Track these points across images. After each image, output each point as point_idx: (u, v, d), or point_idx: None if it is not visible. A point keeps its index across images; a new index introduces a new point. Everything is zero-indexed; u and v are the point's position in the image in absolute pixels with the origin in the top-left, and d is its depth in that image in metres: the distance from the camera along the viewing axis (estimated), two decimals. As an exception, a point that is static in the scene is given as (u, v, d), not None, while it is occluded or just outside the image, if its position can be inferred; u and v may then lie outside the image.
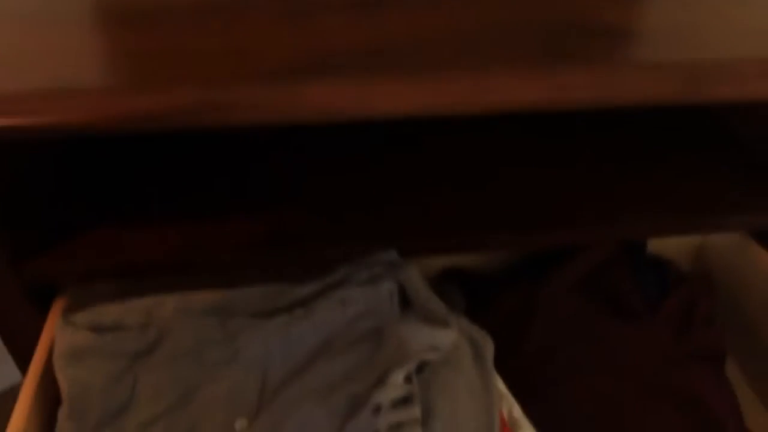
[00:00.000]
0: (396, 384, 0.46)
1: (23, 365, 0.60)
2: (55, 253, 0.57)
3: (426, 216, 0.61)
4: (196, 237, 0.59)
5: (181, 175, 0.66)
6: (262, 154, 0.70)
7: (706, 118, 0.77)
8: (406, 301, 0.55)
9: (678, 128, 0.74)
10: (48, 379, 0.52)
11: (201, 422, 0.49)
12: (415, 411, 0.46)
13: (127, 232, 0.59)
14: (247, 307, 0.54)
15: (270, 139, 0.72)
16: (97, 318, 0.53)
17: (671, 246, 0.75)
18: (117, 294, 0.56)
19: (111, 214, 0.62)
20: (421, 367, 0.49)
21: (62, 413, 0.49)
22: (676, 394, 0.59)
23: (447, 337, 0.50)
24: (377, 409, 0.45)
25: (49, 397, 0.52)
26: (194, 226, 0.60)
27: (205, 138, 0.72)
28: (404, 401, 0.46)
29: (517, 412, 0.54)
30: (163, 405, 0.50)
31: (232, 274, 0.57)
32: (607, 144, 0.71)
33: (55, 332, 0.52)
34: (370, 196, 0.64)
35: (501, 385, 0.55)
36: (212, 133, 0.72)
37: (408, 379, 0.47)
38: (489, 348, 0.53)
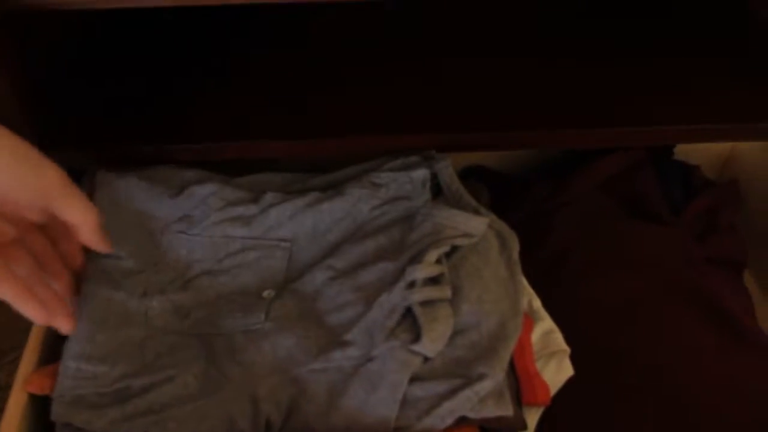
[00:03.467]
0: (430, 263, 0.47)
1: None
2: (81, 140, 0.57)
3: (455, 112, 0.61)
4: (227, 125, 0.59)
5: (203, 62, 0.65)
6: (286, 42, 0.68)
7: (744, 17, 0.74)
8: (436, 192, 0.55)
9: (712, 29, 0.72)
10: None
11: (232, 287, 0.51)
12: (446, 290, 0.47)
13: (152, 121, 0.59)
14: (281, 186, 0.55)
15: (296, 29, 0.70)
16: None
17: (699, 152, 0.74)
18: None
19: (135, 102, 0.61)
20: (450, 252, 0.50)
21: None
22: (693, 293, 0.60)
23: (479, 224, 0.51)
24: (411, 285, 0.47)
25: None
26: (223, 115, 0.59)
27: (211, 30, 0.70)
28: (434, 281, 0.48)
29: (537, 303, 0.56)
30: (197, 269, 0.52)
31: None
32: (636, 44, 0.69)
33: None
34: (399, 89, 0.63)
35: (522, 278, 0.56)
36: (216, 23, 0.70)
37: (438, 261, 0.48)
38: (514, 242, 0.53)
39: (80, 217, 0.42)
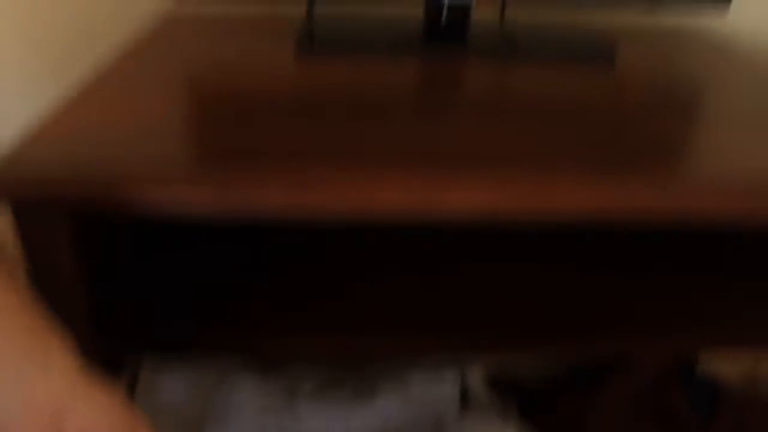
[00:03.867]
0: (459, 473, 0.47)
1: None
2: (126, 327, 0.60)
3: (485, 318, 0.63)
4: (268, 323, 0.61)
5: (251, 263, 0.69)
6: (323, 250, 0.73)
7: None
8: (465, 398, 0.56)
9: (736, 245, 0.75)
10: None
11: None
12: (476, 502, 0.47)
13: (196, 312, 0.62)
14: (316, 385, 0.56)
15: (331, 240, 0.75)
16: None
17: (723, 364, 0.75)
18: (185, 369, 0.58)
19: (182, 294, 0.64)
20: (478, 463, 0.50)
21: None
22: None
23: (507, 434, 0.51)
24: None
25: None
26: (265, 313, 0.62)
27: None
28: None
29: None
30: None
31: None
32: (660, 257, 0.72)
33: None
34: (426, 297, 0.66)
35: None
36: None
37: (467, 472, 0.48)
38: (542, 453, 0.54)
39: None
